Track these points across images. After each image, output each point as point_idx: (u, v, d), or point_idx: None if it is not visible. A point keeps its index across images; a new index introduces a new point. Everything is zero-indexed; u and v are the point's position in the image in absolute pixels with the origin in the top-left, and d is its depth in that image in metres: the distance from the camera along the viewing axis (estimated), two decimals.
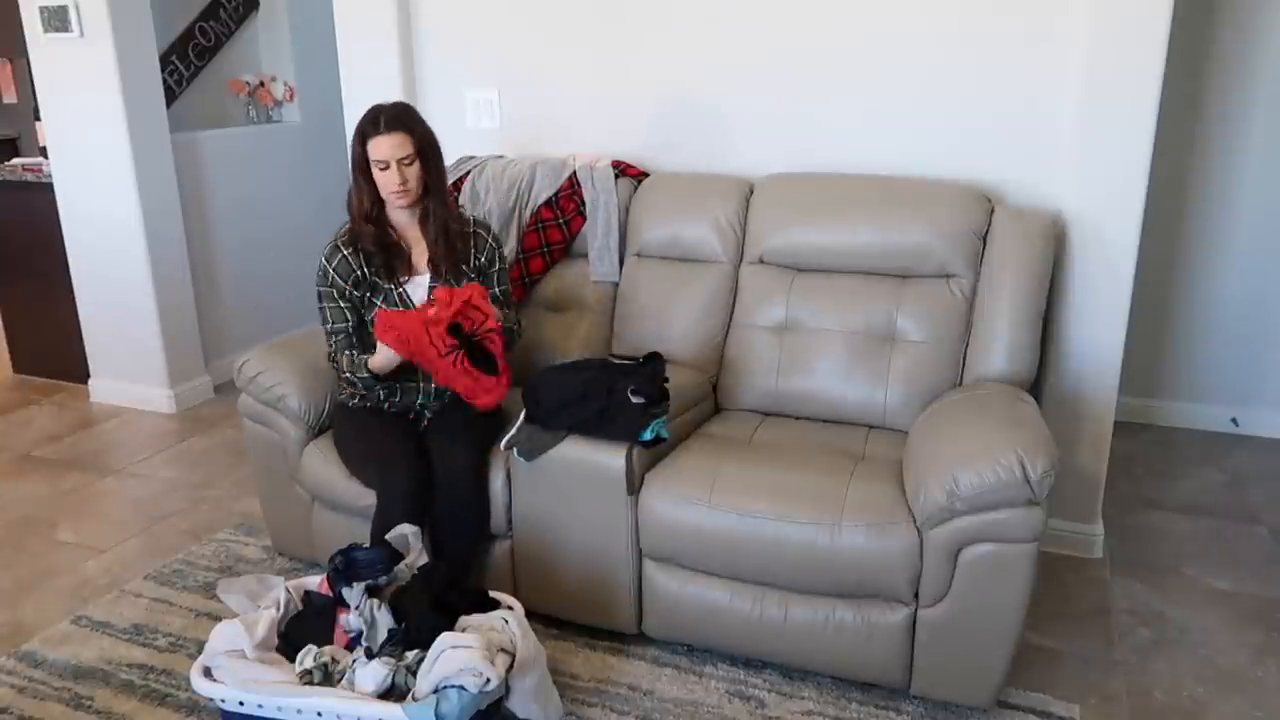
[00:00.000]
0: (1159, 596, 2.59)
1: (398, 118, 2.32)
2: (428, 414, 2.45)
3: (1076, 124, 2.51)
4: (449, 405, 2.43)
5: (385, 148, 2.29)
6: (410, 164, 2.32)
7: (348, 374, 2.38)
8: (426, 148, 2.36)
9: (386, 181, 2.32)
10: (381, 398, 2.43)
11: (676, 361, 2.60)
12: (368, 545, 2.12)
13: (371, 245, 2.38)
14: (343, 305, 2.39)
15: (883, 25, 2.69)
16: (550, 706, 1.95)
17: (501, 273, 2.55)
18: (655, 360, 2.37)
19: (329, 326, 2.41)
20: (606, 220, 2.82)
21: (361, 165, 2.35)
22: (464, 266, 2.45)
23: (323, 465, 2.47)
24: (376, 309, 2.37)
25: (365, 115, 2.34)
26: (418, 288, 2.42)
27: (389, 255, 2.39)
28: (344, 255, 2.38)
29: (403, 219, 2.42)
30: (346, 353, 2.39)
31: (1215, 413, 3.66)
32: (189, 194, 4.04)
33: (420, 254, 2.43)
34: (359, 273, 2.38)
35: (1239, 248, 3.50)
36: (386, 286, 2.40)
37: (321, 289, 2.40)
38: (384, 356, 2.28)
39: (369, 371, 2.33)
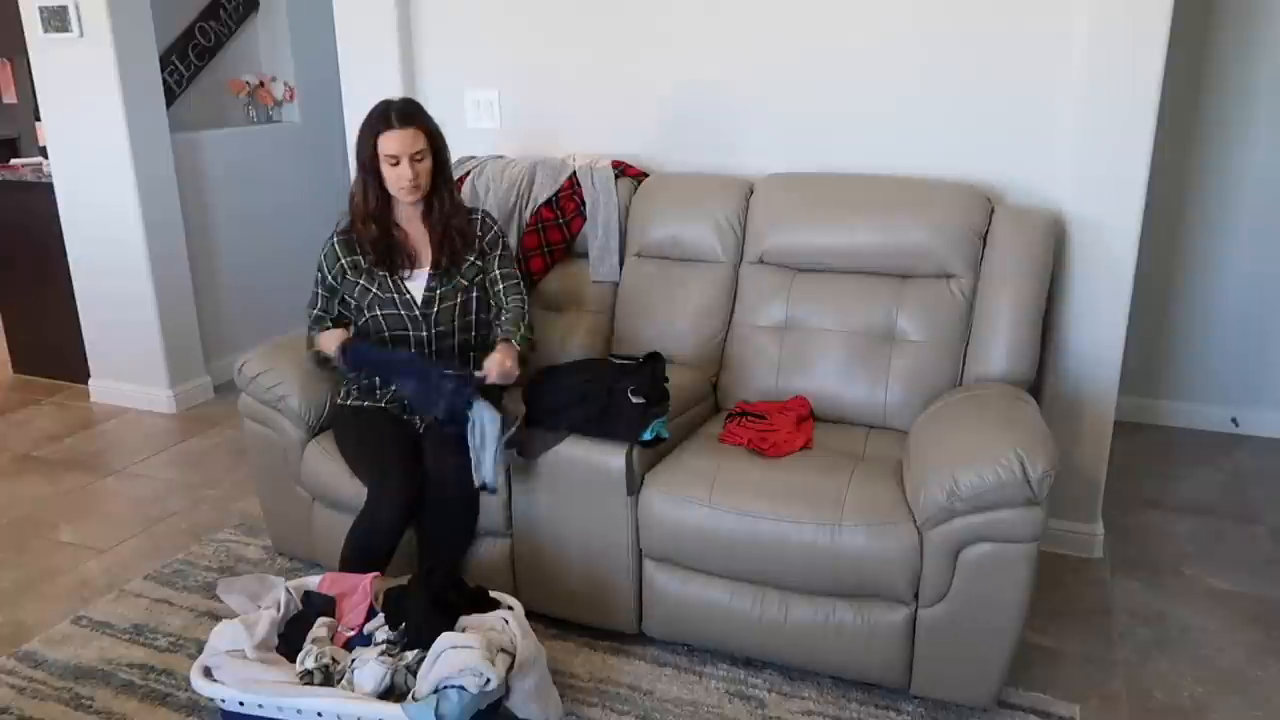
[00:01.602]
0: (1159, 596, 2.58)
1: (408, 113, 2.33)
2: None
3: (1076, 124, 2.50)
4: None
5: (397, 143, 2.29)
6: (421, 160, 2.33)
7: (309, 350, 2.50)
8: (436, 143, 2.37)
9: (397, 177, 2.32)
10: (379, 397, 2.44)
11: (676, 361, 2.60)
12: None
13: (369, 244, 2.39)
14: (322, 292, 2.47)
15: (883, 25, 2.69)
16: (550, 706, 1.95)
17: (504, 258, 2.53)
18: (655, 360, 2.37)
19: (308, 306, 2.50)
20: (606, 220, 2.82)
21: (370, 161, 2.34)
22: (469, 257, 2.47)
23: (323, 465, 2.47)
24: (371, 295, 2.41)
25: (374, 111, 2.34)
26: (417, 280, 2.43)
27: (390, 252, 2.40)
28: (336, 244, 2.43)
29: (406, 213, 2.43)
30: (312, 331, 2.48)
31: (1215, 413, 3.66)
32: (189, 194, 4.03)
33: (422, 248, 2.44)
34: (352, 259, 2.41)
35: (1239, 248, 3.50)
36: (382, 275, 2.41)
37: (318, 272, 2.48)
38: (327, 343, 2.41)
39: (314, 348, 2.45)
